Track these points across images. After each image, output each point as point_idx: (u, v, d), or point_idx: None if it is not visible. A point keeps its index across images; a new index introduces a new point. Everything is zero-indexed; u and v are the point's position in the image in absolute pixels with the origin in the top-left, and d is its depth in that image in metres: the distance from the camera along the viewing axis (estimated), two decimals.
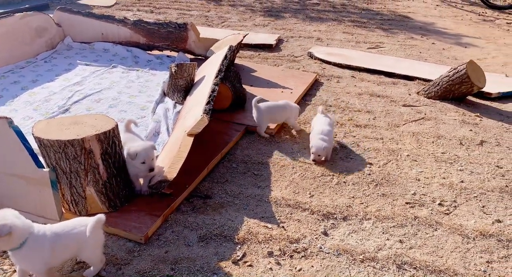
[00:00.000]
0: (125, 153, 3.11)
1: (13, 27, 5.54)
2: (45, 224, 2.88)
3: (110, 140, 2.88)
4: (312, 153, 3.81)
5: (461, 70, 4.97)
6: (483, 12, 10.01)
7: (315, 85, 5.54)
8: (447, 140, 4.32)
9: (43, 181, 2.79)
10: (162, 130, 4.19)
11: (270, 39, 7.14)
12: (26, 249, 2.31)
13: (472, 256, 2.89)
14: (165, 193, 3.20)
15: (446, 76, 5.14)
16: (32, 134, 2.79)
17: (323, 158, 3.85)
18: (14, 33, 5.57)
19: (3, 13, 6.93)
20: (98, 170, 2.87)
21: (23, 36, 5.70)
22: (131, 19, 6.10)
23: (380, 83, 5.71)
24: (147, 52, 6.12)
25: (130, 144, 3.17)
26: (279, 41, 7.33)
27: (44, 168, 2.81)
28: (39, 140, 2.77)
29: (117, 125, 2.95)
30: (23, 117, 4.26)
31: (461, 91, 5.09)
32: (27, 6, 8.64)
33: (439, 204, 3.38)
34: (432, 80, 5.43)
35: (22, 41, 5.69)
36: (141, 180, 3.24)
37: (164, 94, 4.90)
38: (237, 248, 2.88)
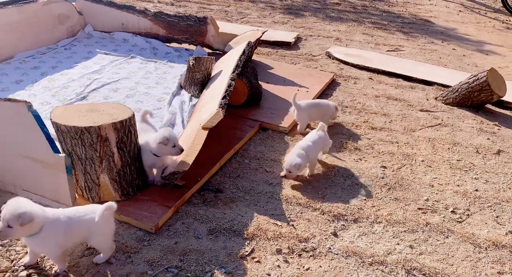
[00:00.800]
0: (140, 142, 3.13)
1: (35, 14, 5.60)
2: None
3: (126, 129, 2.90)
4: (284, 168, 3.51)
5: (481, 78, 4.90)
6: (506, 20, 9.84)
7: (331, 85, 5.51)
8: (463, 148, 4.26)
9: (58, 166, 2.82)
10: (177, 122, 4.21)
11: (289, 37, 7.11)
12: (43, 235, 2.34)
13: (483, 266, 2.86)
14: (177, 185, 3.22)
15: (466, 83, 5.07)
16: (50, 119, 2.82)
17: (295, 175, 3.48)
18: (37, 20, 5.63)
19: None
20: (113, 158, 2.89)
21: (45, 23, 5.76)
22: (152, 11, 6.13)
23: (398, 86, 5.66)
24: (166, 44, 6.14)
25: (143, 135, 3.19)
26: (298, 39, 7.29)
27: (60, 153, 2.84)
28: (56, 126, 2.80)
29: (133, 115, 2.97)
30: (41, 102, 4.31)
31: (480, 98, 5.01)
32: None
33: (452, 211, 3.34)
34: (451, 86, 5.36)
35: (44, 27, 5.75)
36: (155, 171, 3.26)
37: (181, 87, 4.92)
38: (246, 243, 2.88)
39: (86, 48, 5.82)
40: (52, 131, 2.87)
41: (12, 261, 2.57)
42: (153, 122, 3.83)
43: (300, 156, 3.42)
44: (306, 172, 3.63)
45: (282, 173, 3.52)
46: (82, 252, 2.69)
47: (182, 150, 3.13)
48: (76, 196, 3.01)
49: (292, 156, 3.44)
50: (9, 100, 2.86)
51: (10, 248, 2.65)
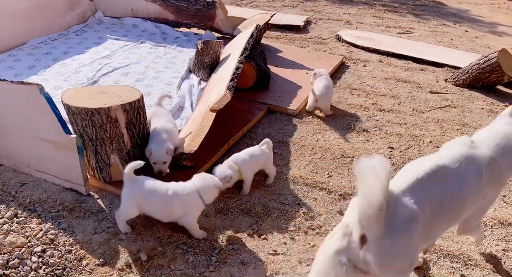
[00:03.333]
0: (150, 127, 3.20)
1: (46, 0, 5.67)
2: (71, 188, 3.03)
3: (135, 111, 2.96)
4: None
5: (492, 58, 4.84)
6: None
7: (341, 68, 5.50)
8: (472, 129, 4.24)
9: (70, 147, 2.90)
10: (186, 106, 4.26)
11: (298, 20, 7.08)
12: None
13: (488, 243, 2.88)
14: (186, 165, 3.28)
15: (476, 64, 5.02)
16: (61, 101, 2.90)
17: (229, 185, 3.07)
18: (48, 6, 5.70)
19: None
20: (123, 139, 2.97)
21: (56, 9, 5.83)
22: None
23: (407, 68, 5.62)
24: (175, 29, 6.17)
25: (153, 122, 3.24)
26: (307, 22, 7.26)
27: (72, 134, 2.92)
28: (67, 107, 2.87)
29: (142, 97, 3.03)
30: (54, 86, 4.40)
31: (491, 80, 4.97)
32: None
33: None
34: (461, 68, 5.31)
35: (55, 13, 5.82)
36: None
37: (190, 71, 4.96)
38: (253, 221, 2.94)
39: (97, 34, 5.88)
40: (64, 113, 2.95)
41: (28, 237, 2.67)
42: (163, 105, 3.88)
43: (231, 168, 3.08)
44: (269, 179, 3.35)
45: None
46: (94, 229, 2.78)
47: (160, 173, 3.09)
48: (88, 176, 3.09)
49: (222, 167, 3.08)
50: (22, 83, 2.94)
51: (25, 225, 2.75)
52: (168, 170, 3.16)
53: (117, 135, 2.93)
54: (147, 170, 2.96)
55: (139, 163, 2.65)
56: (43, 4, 5.63)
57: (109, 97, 2.95)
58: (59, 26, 5.86)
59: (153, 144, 3.08)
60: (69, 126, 2.97)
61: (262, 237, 2.82)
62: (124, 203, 2.70)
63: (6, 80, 3.02)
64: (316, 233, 2.88)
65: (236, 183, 3.14)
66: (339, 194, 3.25)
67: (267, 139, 3.33)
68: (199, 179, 2.76)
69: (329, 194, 3.25)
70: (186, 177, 3.19)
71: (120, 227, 2.76)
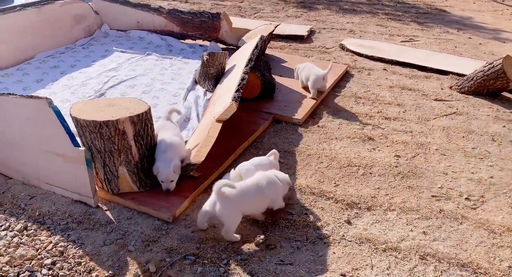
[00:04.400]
0: (157, 140, 3.22)
1: (53, 14, 5.76)
2: (80, 200, 3.05)
3: (142, 123, 2.99)
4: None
5: (496, 65, 4.85)
6: None
7: (345, 77, 5.53)
8: (478, 136, 4.24)
9: (79, 159, 2.94)
10: (192, 116, 4.30)
11: (302, 30, 7.14)
12: None
13: (497, 251, 2.86)
14: (193, 176, 3.30)
15: (481, 71, 5.03)
16: (70, 114, 2.94)
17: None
18: (55, 20, 5.79)
19: (44, 0, 7.20)
20: (131, 150, 3.00)
21: (63, 23, 5.92)
22: (166, 8, 6.23)
23: (412, 76, 5.64)
24: (181, 41, 6.24)
25: (160, 135, 3.27)
26: (311, 32, 7.31)
27: (80, 147, 2.95)
28: (76, 120, 2.91)
29: (149, 109, 3.06)
30: (62, 100, 4.45)
31: (496, 86, 4.97)
32: None
33: (466, 198, 3.35)
34: (466, 75, 5.32)
35: (62, 27, 5.91)
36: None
37: (196, 82, 5.01)
38: (261, 231, 2.95)
39: (103, 47, 5.96)
40: (72, 126, 2.99)
41: (38, 249, 2.69)
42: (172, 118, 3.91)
43: (235, 178, 3.12)
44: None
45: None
46: (103, 241, 2.80)
47: (167, 190, 3.13)
48: (96, 188, 3.12)
49: (226, 176, 3.17)
50: (31, 97, 2.99)
51: (35, 237, 2.78)
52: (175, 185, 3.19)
53: (125, 147, 2.96)
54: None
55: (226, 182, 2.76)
56: (50, 19, 5.72)
57: (117, 109, 2.99)
58: (66, 39, 5.95)
59: (160, 163, 3.09)
60: (78, 138, 3.00)
61: (270, 247, 2.82)
62: (229, 215, 2.79)
63: (16, 95, 3.07)
64: (324, 243, 2.88)
65: None
66: (347, 203, 3.25)
67: (274, 150, 3.35)
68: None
69: (336, 203, 3.26)
70: (193, 187, 3.22)
71: (199, 225, 2.90)
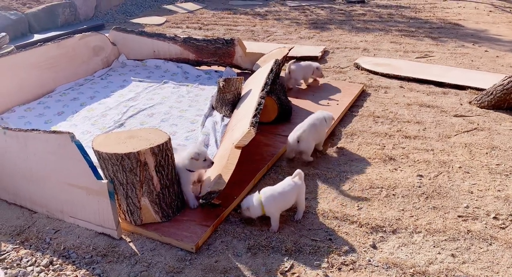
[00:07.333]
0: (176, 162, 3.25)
1: (73, 48, 5.93)
2: (103, 233, 3.07)
3: (163, 153, 3.02)
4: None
5: None
6: None
7: (362, 96, 5.51)
8: (502, 151, 4.15)
9: (102, 192, 2.97)
10: (211, 143, 4.32)
11: (316, 51, 7.18)
12: None
13: None
14: (214, 204, 3.30)
15: (500, 85, 4.96)
16: (92, 148, 2.99)
17: (247, 216, 3.21)
18: (74, 53, 5.95)
19: (64, 34, 7.44)
20: (152, 181, 3.02)
21: (82, 55, 6.08)
22: (181, 37, 6.35)
23: (429, 93, 5.59)
24: (196, 67, 6.33)
25: (178, 153, 3.31)
26: (325, 52, 7.35)
27: (103, 179, 2.99)
28: (98, 153, 2.96)
29: (169, 139, 3.09)
30: (82, 131, 4.54)
31: None
32: (85, 26, 9.19)
33: (494, 217, 3.26)
34: (485, 89, 5.25)
35: (81, 60, 6.07)
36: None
37: (213, 108, 5.05)
38: (285, 259, 2.91)
39: (121, 77, 6.08)
40: (94, 158, 3.03)
41: None
42: (188, 144, 3.95)
43: (256, 202, 3.14)
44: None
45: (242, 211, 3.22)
46: (127, 274, 2.79)
47: (212, 163, 3.32)
48: (119, 219, 3.14)
49: (248, 198, 3.21)
50: (54, 132, 3.06)
51: (61, 272, 2.79)
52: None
53: (147, 178, 2.98)
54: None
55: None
56: (70, 52, 5.88)
57: (138, 141, 3.03)
58: (85, 71, 6.09)
59: (189, 150, 3.28)
60: (100, 171, 3.04)
61: (295, 275, 2.78)
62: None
63: (39, 130, 3.14)
64: (350, 269, 2.82)
65: (265, 219, 3.13)
66: (371, 227, 3.19)
67: (298, 170, 3.29)
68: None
69: (361, 227, 3.20)
70: (214, 216, 3.21)
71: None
